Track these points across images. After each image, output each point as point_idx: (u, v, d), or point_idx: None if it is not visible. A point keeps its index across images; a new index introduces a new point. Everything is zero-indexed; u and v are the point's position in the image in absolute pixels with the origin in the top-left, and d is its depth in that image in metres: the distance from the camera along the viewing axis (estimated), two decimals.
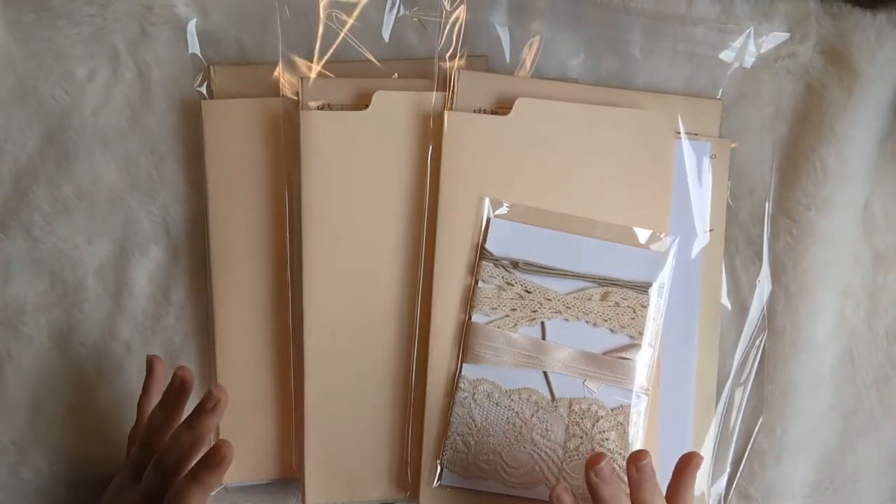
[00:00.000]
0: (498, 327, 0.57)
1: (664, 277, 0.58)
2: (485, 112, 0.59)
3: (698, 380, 0.60)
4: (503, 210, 0.58)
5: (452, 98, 0.58)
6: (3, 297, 0.59)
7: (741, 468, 0.61)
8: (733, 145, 0.61)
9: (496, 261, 0.57)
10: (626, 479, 0.57)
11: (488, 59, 0.61)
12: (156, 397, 0.53)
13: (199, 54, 0.60)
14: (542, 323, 0.58)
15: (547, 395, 0.57)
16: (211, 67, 0.60)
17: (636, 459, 0.50)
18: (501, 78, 0.59)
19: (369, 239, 0.58)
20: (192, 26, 0.60)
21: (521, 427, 0.57)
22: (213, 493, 0.59)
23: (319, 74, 0.59)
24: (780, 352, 0.61)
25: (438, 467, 0.57)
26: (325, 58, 0.59)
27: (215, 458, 0.48)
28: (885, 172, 0.62)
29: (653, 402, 0.58)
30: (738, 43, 0.61)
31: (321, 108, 0.58)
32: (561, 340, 0.57)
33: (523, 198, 0.58)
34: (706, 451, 0.60)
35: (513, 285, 0.57)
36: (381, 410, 0.58)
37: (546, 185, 0.58)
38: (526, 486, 0.57)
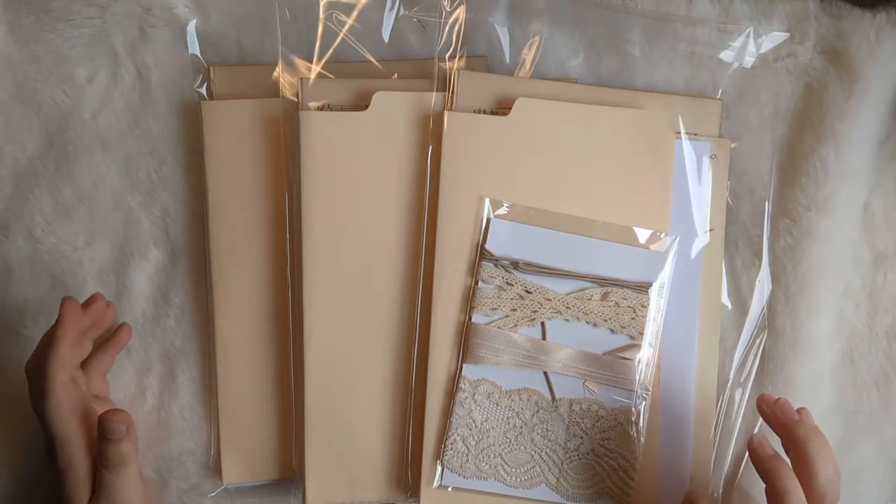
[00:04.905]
0: (498, 327, 0.57)
1: (664, 277, 0.58)
2: (485, 112, 0.59)
3: (698, 380, 0.60)
4: (503, 210, 0.58)
5: (452, 98, 0.58)
6: (3, 299, 0.59)
7: (741, 468, 0.61)
8: (733, 145, 0.61)
9: (496, 261, 0.57)
10: (628, 480, 0.57)
11: (488, 59, 0.61)
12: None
13: (199, 55, 0.60)
14: (543, 323, 0.58)
15: (547, 395, 0.57)
16: (211, 68, 0.60)
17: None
18: (501, 78, 0.59)
19: (369, 239, 0.58)
20: (191, 27, 0.60)
21: (521, 427, 0.57)
22: (212, 494, 0.60)
23: (319, 75, 0.59)
24: (780, 352, 0.61)
25: (438, 467, 0.57)
26: (325, 58, 0.59)
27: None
28: (885, 172, 0.62)
29: (653, 402, 0.58)
30: (737, 43, 0.61)
31: (321, 108, 0.58)
32: (561, 341, 0.57)
33: (523, 198, 0.58)
34: (706, 452, 0.60)
35: (513, 285, 0.57)
36: (381, 411, 0.58)
37: (546, 185, 0.58)
38: (526, 486, 0.57)
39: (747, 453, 0.60)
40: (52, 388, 0.50)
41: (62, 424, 0.51)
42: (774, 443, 0.54)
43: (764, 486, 0.60)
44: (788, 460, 0.52)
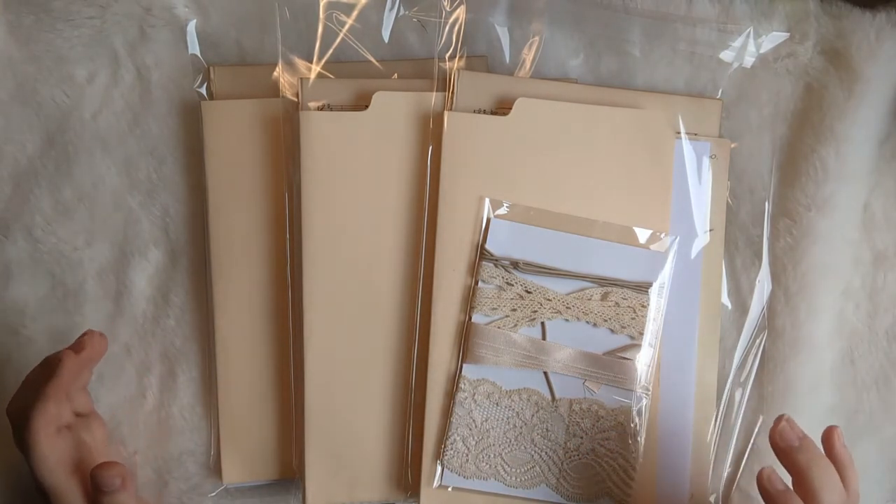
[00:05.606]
0: (498, 327, 0.57)
1: (664, 277, 0.58)
2: (485, 112, 0.59)
3: (698, 380, 0.60)
4: (503, 210, 0.58)
5: (452, 98, 0.58)
6: (3, 299, 0.59)
7: (741, 468, 0.61)
8: (733, 145, 0.61)
9: (496, 261, 0.57)
10: (628, 480, 0.57)
11: (488, 59, 0.61)
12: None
13: (199, 55, 0.60)
14: (543, 323, 0.58)
15: (547, 395, 0.57)
16: (211, 68, 0.60)
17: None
18: (501, 78, 0.59)
19: (369, 239, 0.58)
20: (191, 27, 0.60)
21: (521, 427, 0.57)
22: (212, 494, 0.60)
23: (319, 75, 0.59)
24: (780, 352, 0.61)
25: (438, 467, 0.57)
26: (325, 58, 0.59)
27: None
28: (885, 172, 0.62)
29: (653, 402, 0.58)
30: (737, 43, 0.61)
31: (321, 108, 0.58)
32: (561, 341, 0.57)
33: (523, 198, 0.58)
34: (706, 452, 0.60)
35: (513, 285, 0.57)
36: (381, 411, 0.58)
37: (546, 185, 0.58)
38: (526, 486, 0.57)
39: (747, 454, 0.60)
40: (38, 444, 0.50)
41: (52, 479, 0.50)
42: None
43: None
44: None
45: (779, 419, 0.53)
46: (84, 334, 0.54)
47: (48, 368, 0.51)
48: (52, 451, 0.50)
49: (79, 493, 0.51)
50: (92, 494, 0.51)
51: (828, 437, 0.53)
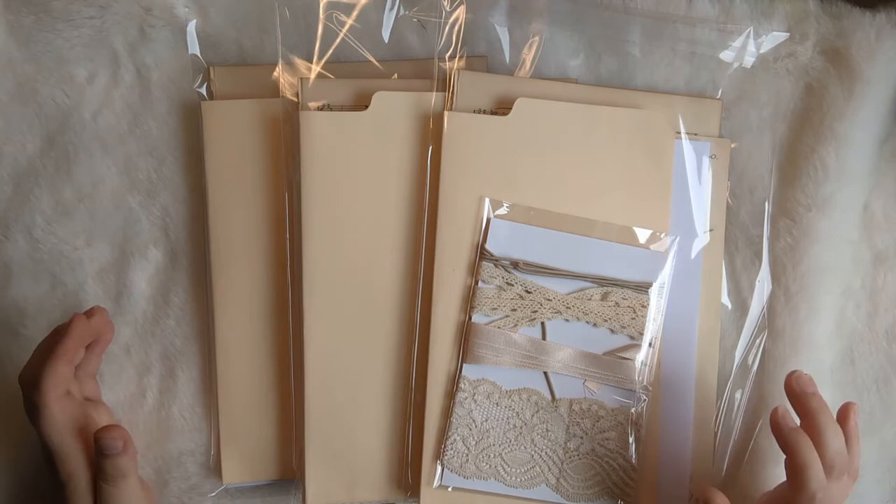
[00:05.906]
0: (498, 327, 0.57)
1: (664, 277, 0.58)
2: (485, 112, 0.59)
3: (698, 380, 0.60)
4: (503, 210, 0.58)
5: (452, 98, 0.58)
6: (3, 299, 0.59)
7: (742, 468, 0.60)
8: (733, 145, 0.61)
9: (496, 261, 0.57)
10: (628, 480, 0.57)
11: (488, 59, 0.61)
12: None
13: (199, 55, 0.60)
14: (543, 323, 0.58)
15: (547, 395, 0.58)
16: (210, 68, 0.60)
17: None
18: (501, 78, 0.59)
19: (369, 239, 0.58)
20: (191, 27, 0.60)
21: (521, 427, 0.57)
22: (212, 494, 0.60)
23: (319, 75, 0.59)
24: (780, 352, 0.61)
25: (438, 467, 0.57)
26: (325, 58, 0.59)
27: None
28: (885, 173, 0.62)
29: (653, 402, 0.58)
30: (737, 43, 0.61)
31: (321, 108, 0.58)
32: (561, 341, 0.58)
33: (523, 198, 0.58)
34: (706, 451, 0.60)
35: (513, 285, 0.57)
36: (381, 411, 0.58)
37: (546, 185, 0.58)
38: (526, 486, 0.57)
39: (747, 454, 0.60)
40: (47, 405, 0.51)
41: (59, 440, 0.51)
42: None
43: (762, 486, 0.61)
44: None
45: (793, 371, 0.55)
46: (94, 307, 0.56)
47: (58, 335, 0.53)
48: (60, 411, 0.51)
49: (83, 458, 0.52)
50: (95, 459, 0.51)
51: (844, 411, 0.55)
